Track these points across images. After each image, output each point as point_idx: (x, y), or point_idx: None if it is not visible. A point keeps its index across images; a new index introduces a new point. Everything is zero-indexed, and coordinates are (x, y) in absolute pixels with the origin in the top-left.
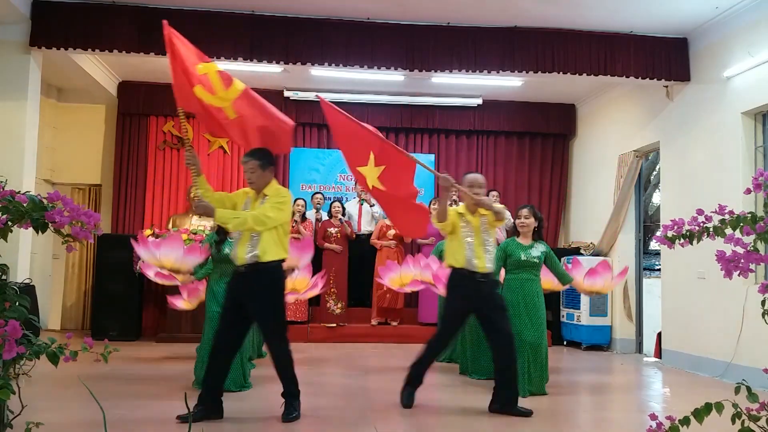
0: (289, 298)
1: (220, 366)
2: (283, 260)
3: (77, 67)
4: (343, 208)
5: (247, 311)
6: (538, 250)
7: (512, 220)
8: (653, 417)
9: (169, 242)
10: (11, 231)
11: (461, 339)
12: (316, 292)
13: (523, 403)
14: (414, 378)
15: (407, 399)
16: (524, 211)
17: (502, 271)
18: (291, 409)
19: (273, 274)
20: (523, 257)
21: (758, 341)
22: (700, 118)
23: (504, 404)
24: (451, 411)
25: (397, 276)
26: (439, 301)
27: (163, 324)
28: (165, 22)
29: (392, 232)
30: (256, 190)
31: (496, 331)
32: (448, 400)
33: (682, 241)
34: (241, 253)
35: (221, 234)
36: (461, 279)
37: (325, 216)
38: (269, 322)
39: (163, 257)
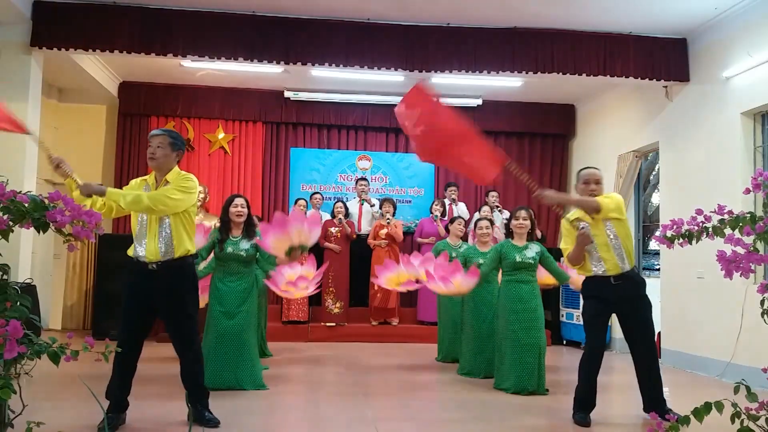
0: (300, 286)
1: (130, 371)
2: (194, 254)
3: (78, 68)
4: (346, 209)
5: (159, 312)
6: (533, 251)
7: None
8: (653, 416)
9: (294, 217)
10: (12, 231)
11: (459, 337)
12: (311, 290)
13: (522, 402)
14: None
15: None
16: (523, 213)
17: (500, 275)
18: (211, 415)
19: (188, 270)
20: (518, 258)
21: (757, 341)
22: (699, 118)
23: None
24: (452, 410)
25: (394, 275)
26: (438, 300)
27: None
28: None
29: (384, 231)
30: (156, 172)
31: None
32: (448, 399)
33: (681, 240)
34: (153, 249)
35: (223, 233)
36: (595, 284)
37: (325, 216)
38: (186, 325)
39: (294, 234)
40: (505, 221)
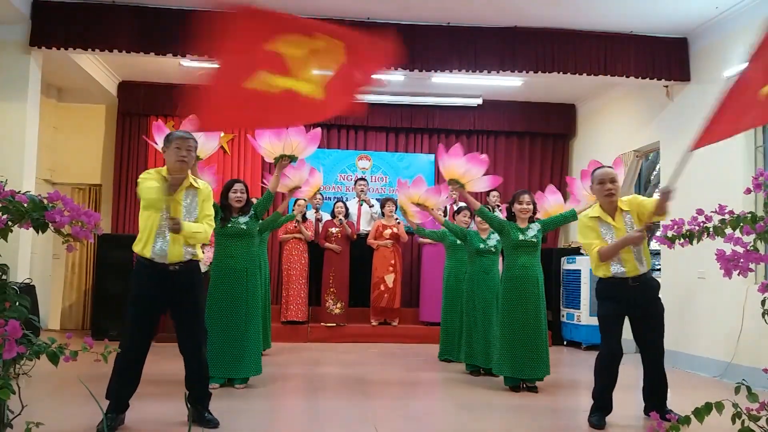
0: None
1: (137, 373)
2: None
3: (77, 67)
4: (347, 209)
5: (172, 313)
6: (534, 230)
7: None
8: (654, 416)
9: (294, 130)
10: (11, 231)
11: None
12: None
13: (524, 401)
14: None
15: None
16: (527, 197)
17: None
18: (211, 416)
19: (199, 272)
20: (521, 237)
21: (758, 341)
22: (700, 117)
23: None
24: (452, 410)
25: (414, 194)
26: (444, 300)
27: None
28: None
29: (389, 231)
30: (180, 174)
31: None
32: (448, 399)
33: (682, 240)
34: (179, 252)
35: (224, 213)
36: (610, 286)
37: (324, 216)
38: (198, 325)
39: (287, 144)
40: (506, 205)
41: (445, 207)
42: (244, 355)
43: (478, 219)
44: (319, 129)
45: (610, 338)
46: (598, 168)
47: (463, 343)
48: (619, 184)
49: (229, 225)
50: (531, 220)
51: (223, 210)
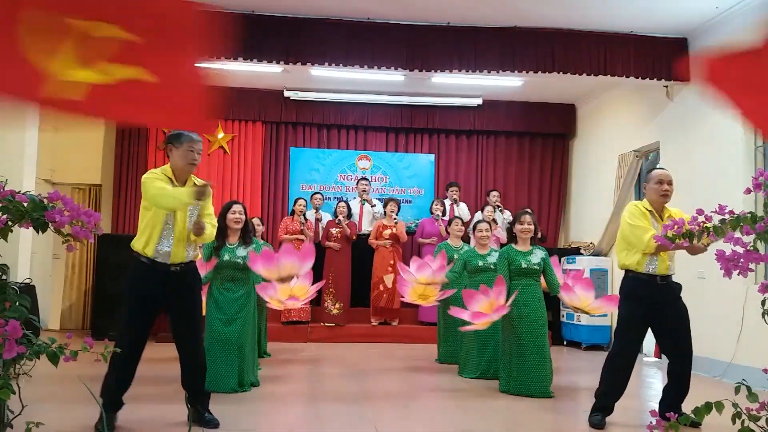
0: (289, 304)
1: (132, 372)
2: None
3: None
4: (349, 209)
5: (171, 313)
6: (538, 256)
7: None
8: (654, 414)
9: (285, 252)
10: (11, 231)
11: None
12: (300, 305)
13: (524, 403)
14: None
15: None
16: (528, 218)
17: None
18: (211, 416)
19: (198, 272)
20: (524, 265)
21: (758, 341)
22: (700, 118)
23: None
24: (452, 411)
25: (420, 289)
26: (440, 307)
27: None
28: None
29: (388, 231)
30: (183, 174)
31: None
32: (448, 400)
33: (681, 240)
34: (181, 253)
35: (220, 239)
36: (638, 284)
37: (324, 216)
38: (197, 325)
39: (283, 267)
40: (507, 225)
41: (444, 208)
42: (238, 373)
43: (477, 234)
44: (312, 245)
45: (628, 340)
46: (656, 168)
47: (461, 356)
48: (673, 188)
49: (226, 258)
50: (533, 241)
51: (220, 234)
